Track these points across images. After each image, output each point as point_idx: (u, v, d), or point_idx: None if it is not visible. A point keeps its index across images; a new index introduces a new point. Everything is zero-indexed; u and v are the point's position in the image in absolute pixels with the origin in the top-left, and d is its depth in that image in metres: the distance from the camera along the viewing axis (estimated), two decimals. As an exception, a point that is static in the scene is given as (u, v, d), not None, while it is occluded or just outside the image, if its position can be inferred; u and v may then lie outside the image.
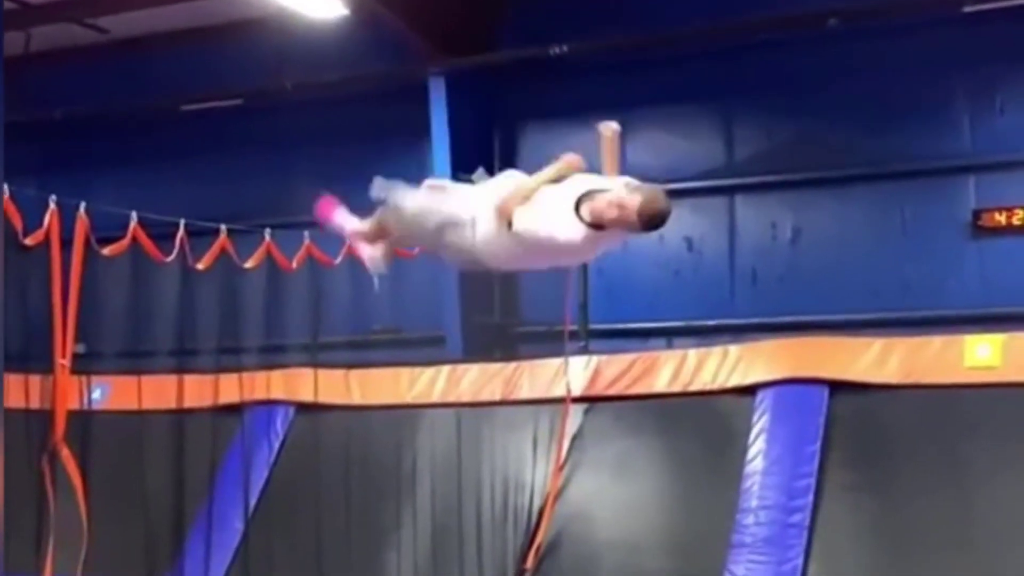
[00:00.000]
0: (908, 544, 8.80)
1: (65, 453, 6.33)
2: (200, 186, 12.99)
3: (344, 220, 5.82)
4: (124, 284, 8.26)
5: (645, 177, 12.39)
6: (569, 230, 4.97)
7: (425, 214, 5.27)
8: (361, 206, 12.86)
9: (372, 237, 5.58)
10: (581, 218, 5.00)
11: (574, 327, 10.94)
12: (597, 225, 5.06)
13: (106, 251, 6.81)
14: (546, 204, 5.05)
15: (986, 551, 8.56)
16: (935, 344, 9.46)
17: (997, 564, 8.45)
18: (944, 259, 10.63)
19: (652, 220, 5.06)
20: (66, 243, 6.43)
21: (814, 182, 11.28)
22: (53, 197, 6.33)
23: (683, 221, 11.78)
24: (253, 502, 9.99)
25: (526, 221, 5.06)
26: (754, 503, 9.20)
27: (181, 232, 7.25)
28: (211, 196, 12.53)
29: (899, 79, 10.89)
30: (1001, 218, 10.39)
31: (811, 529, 8.98)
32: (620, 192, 4.94)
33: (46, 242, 6.28)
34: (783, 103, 11.40)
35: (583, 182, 5.21)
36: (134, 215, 6.94)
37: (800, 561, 8.84)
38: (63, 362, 6.29)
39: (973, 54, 10.60)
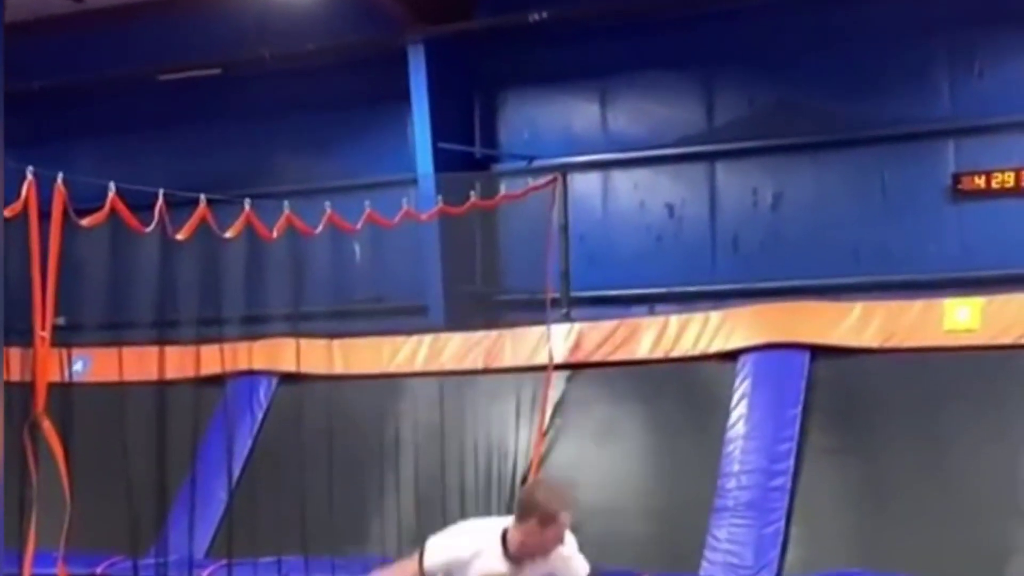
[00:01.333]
0: (889, 506, 8.87)
1: (46, 425, 6.31)
2: (179, 156, 12.93)
3: None
4: (104, 256, 8.22)
5: (626, 144, 12.44)
6: None
7: None
8: (342, 174, 12.85)
9: None
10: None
11: (556, 295, 10.96)
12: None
13: (85, 222, 6.76)
14: None
15: (965, 511, 8.63)
16: (915, 308, 9.51)
17: (975, 523, 8.53)
18: (924, 223, 10.66)
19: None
20: (44, 215, 6.39)
21: (795, 148, 11.29)
22: (31, 168, 6.28)
23: (664, 188, 11.80)
24: (237, 472, 10.00)
25: None
26: (736, 467, 9.26)
27: (160, 202, 7.20)
28: (190, 166, 12.46)
29: (878, 44, 10.88)
30: (980, 181, 10.42)
31: (792, 492, 9.05)
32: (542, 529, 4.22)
33: (24, 214, 6.23)
34: (764, 69, 11.39)
35: None
36: (112, 186, 6.88)
37: (782, 524, 8.91)
38: (43, 334, 6.26)
39: (952, 18, 10.59)
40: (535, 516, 4.12)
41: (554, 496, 4.21)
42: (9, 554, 6.11)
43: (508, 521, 4.20)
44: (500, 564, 4.09)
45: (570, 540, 4.38)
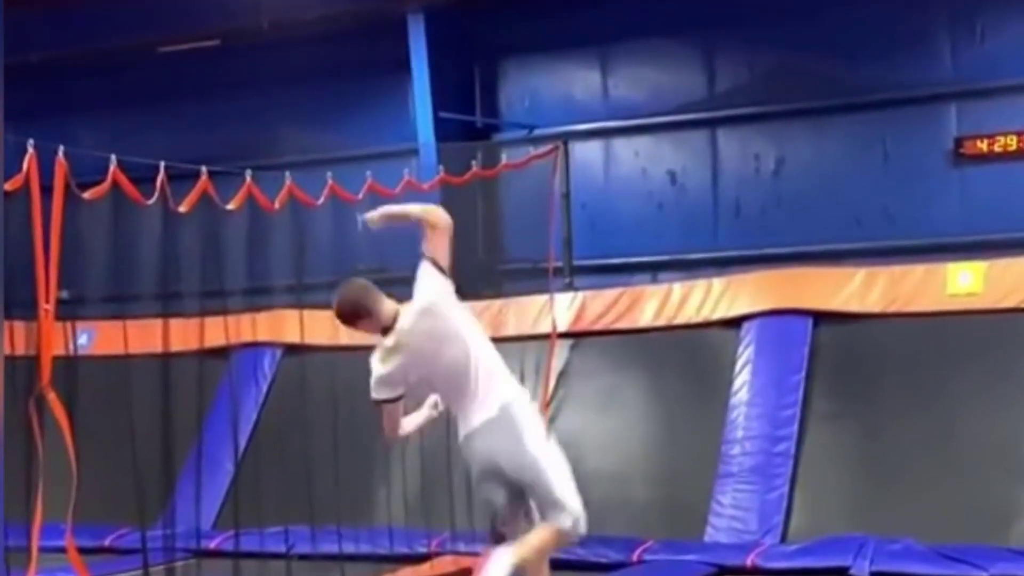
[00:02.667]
0: (892, 470, 8.90)
1: (52, 398, 6.32)
2: (179, 129, 12.89)
3: None
4: (106, 229, 8.20)
5: (627, 112, 12.41)
6: None
7: None
8: (343, 145, 12.81)
9: None
10: None
11: (558, 263, 10.97)
12: None
13: (86, 195, 6.75)
14: None
15: (968, 476, 8.67)
16: (917, 272, 9.52)
17: (979, 488, 8.56)
18: (926, 187, 10.65)
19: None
20: (46, 188, 6.38)
21: (796, 113, 11.26)
22: (31, 142, 6.27)
23: (665, 155, 11.78)
24: (243, 443, 10.04)
25: None
26: (740, 433, 9.30)
27: (161, 175, 7.19)
28: (191, 138, 12.44)
29: (880, 7, 10.83)
30: (983, 145, 10.40)
31: (796, 458, 9.09)
32: None
33: (25, 187, 6.22)
34: (764, 34, 11.34)
35: None
36: (113, 158, 6.87)
37: (786, 489, 8.95)
38: (47, 307, 6.26)
39: (953, -20, 10.56)
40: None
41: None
42: (16, 527, 6.14)
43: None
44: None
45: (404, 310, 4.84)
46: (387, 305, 5.04)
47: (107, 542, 9.71)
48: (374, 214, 5.30)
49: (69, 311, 7.33)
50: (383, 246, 11.89)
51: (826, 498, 8.96)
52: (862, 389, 9.34)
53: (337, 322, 5.19)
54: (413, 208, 5.25)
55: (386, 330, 4.94)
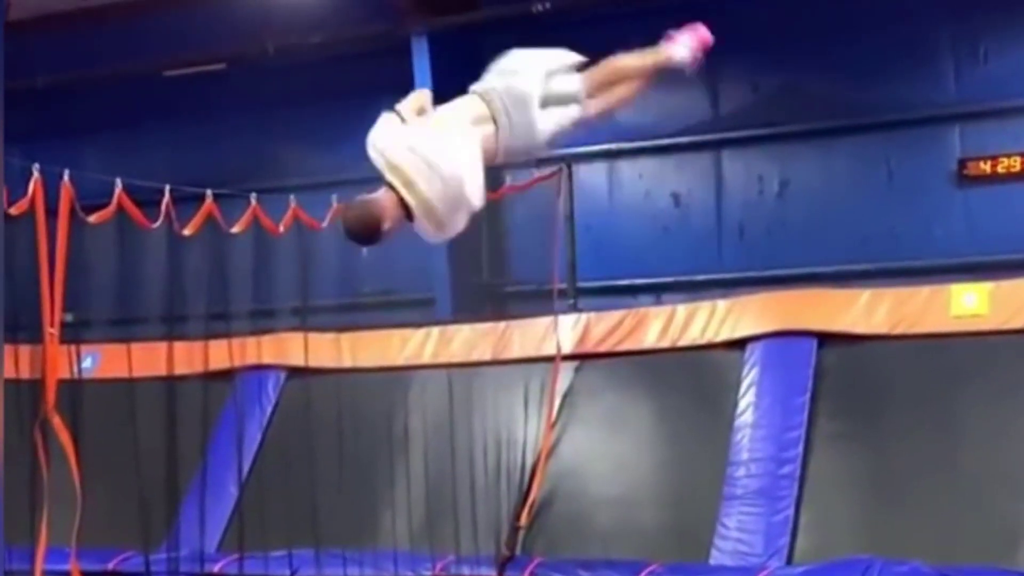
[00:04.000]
0: (898, 492, 8.87)
1: (57, 422, 6.33)
2: (184, 152, 12.94)
3: None
4: (111, 252, 8.24)
5: (631, 134, 12.44)
6: None
7: None
8: (348, 167, 12.89)
9: None
10: None
11: (563, 285, 10.96)
12: None
13: (92, 218, 6.78)
14: None
15: (975, 498, 8.63)
16: (922, 294, 9.50)
17: (986, 510, 8.52)
18: (930, 209, 10.66)
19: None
20: (51, 212, 6.40)
21: (800, 135, 11.29)
22: (36, 165, 6.29)
23: (669, 176, 11.80)
24: (247, 467, 10.01)
25: None
26: (745, 455, 9.26)
27: (166, 198, 7.21)
28: (196, 161, 12.48)
29: (884, 29, 10.87)
30: (986, 167, 10.42)
31: (802, 480, 9.05)
32: None
33: (31, 211, 6.24)
34: (768, 55, 11.37)
35: None
36: (119, 182, 6.90)
37: (791, 512, 8.91)
38: (52, 331, 6.28)
39: (956, 2, 10.58)
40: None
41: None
42: (21, 550, 6.14)
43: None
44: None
45: None
46: None
47: (111, 566, 9.67)
48: None
49: (74, 334, 7.33)
50: (388, 269, 11.97)
51: (832, 520, 8.92)
52: (867, 411, 9.31)
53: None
54: None
55: None
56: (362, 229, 4.58)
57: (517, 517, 9.57)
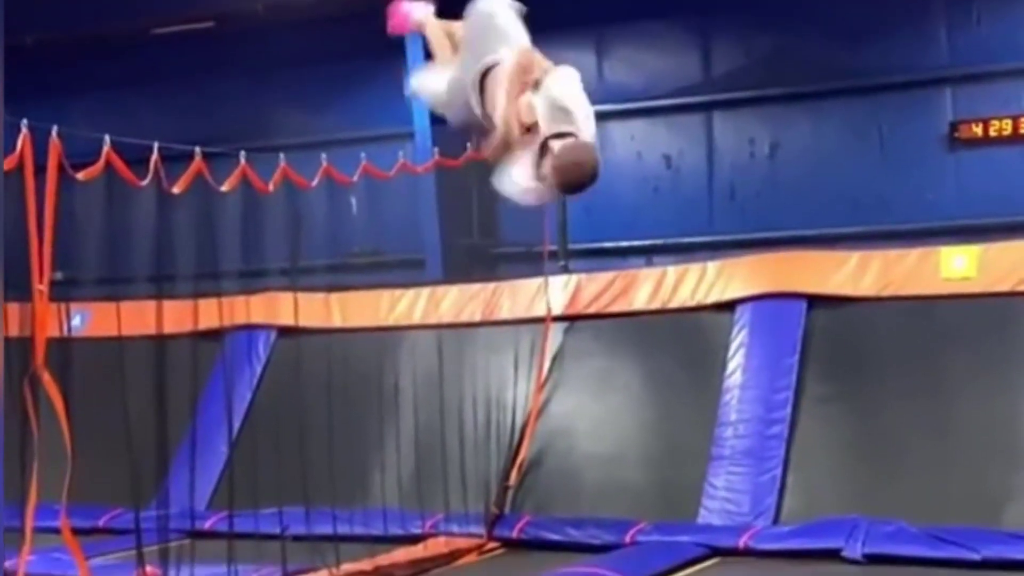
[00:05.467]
0: (885, 453, 8.92)
1: (46, 378, 6.32)
2: (173, 110, 12.87)
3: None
4: (100, 210, 8.18)
5: (623, 95, 12.37)
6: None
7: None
8: (338, 128, 12.77)
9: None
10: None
11: (553, 247, 10.97)
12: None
13: (80, 175, 6.73)
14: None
15: (961, 459, 8.69)
16: (912, 256, 9.53)
17: (972, 471, 8.58)
18: (921, 172, 10.66)
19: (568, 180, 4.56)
20: (39, 169, 6.36)
21: (792, 97, 11.27)
22: (25, 122, 6.25)
23: (661, 139, 11.78)
24: (237, 425, 10.03)
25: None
26: (733, 416, 9.31)
27: (155, 156, 7.17)
28: (184, 120, 12.41)
29: (876, -8, 10.84)
30: (978, 129, 10.42)
31: (789, 440, 9.11)
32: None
33: (19, 168, 6.21)
34: (760, 18, 11.34)
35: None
36: (107, 139, 6.86)
37: (779, 471, 8.98)
38: (41, 288, 6.26)
39: (950, -35, 10.55)
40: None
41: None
42: (11, 507, 6.14)
43: None
44: None
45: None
46: None
47: (101, 523, 9.72)
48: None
49: (63, 292, 7.30)
50: (378, 229, 11.94)
51: (819, 480, 8.98)
52: (855, 372, 9.36)
53: None
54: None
55: None
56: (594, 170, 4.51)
57: (506, 476, 9.62)
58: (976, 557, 7.68)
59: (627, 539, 8.61)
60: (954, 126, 10.53)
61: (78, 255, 8.96)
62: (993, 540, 7.82)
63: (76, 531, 6.78)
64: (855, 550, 7.99)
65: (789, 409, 9.23)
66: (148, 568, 6.99)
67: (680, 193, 11.59)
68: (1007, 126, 10.28)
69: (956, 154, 10.55)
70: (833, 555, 8.03)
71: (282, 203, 9.02)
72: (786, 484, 8.96)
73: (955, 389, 8.99)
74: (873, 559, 7.92)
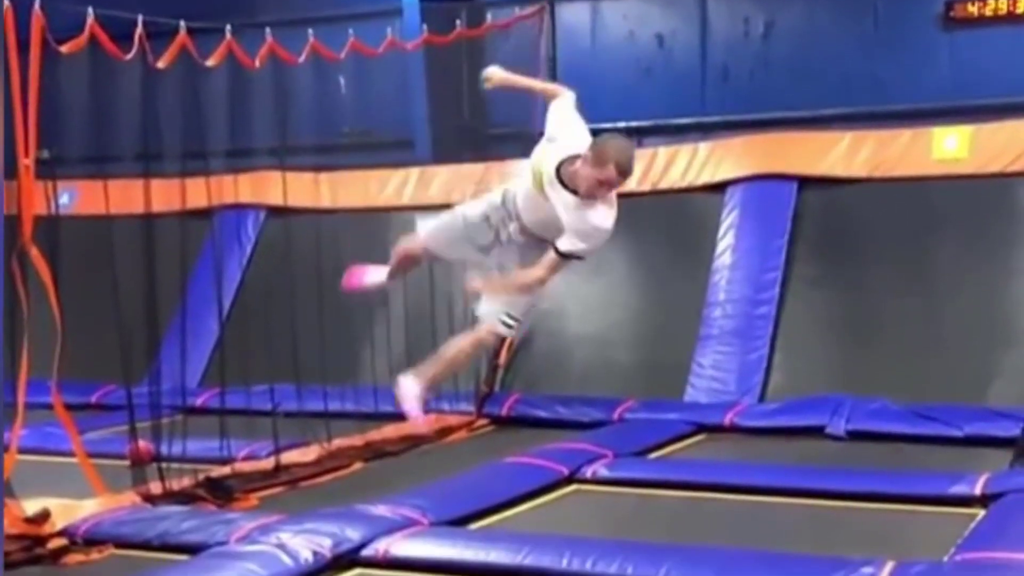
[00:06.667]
0: (872, 333, 9.01)
1: (34, 253, 6.32)
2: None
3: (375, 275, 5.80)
4: (85, 87, 8.08)
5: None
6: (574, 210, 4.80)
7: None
8: (325, 4, 12.53)
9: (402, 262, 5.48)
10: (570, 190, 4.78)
11: (543, 128, 10.86)
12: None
13: (64, 48, 6.65)
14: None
15: (948, 338, 8.78)
16: (904, 137, 9.48)
17: (958, 350, 8.68)
18: (915, 51, 10.55)
19: (628, 169, 4.90)
20: (22, 47, 6.27)
21: (787, -25, 11.10)
22: (5, -7, 6.13)
23: (654, 18, 11.62)
24: (227, 304, 10.08)
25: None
26: (722, 296, 9.37)
27: (140, 30, 7.06)
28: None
29: None
30: (973, 9, 10.29)
31: (777, 320, 9.18)
32: (591, 168, 4.68)
33: (1, 42, 6.10)
34: None
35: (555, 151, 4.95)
36: (91, 11, 6.75)
37: (766, 351, 9.07)
38: (27, 162, 6.22)
39: None
40: (593, 161, 4.48)
41: (619, 150, 4.65)
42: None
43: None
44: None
45: (605, 208, 4.80)
46: None
47: (93, 399, 9.82)
48: (496, 73, 5.16)
49: (49, 171, 7.24)
50: (367, 109, 11.82)
51: (806, 360, 9.07)
52: (845, 253, 9.39)
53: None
54: (536, 83, 5.19)
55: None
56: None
57: (496, 355, 9.69)
58: (959, 434, 7.80)
59: (615, 416, 8.72)
60: (949, 5, 10.39)
61: (64, 132, 8.88)
62: (976, 417, 7.93)
63: (69, 407, 6.84)
64: (839, 427, 8.11)
65: (777, 290, 9.28)
66: (141, 443, 7.08)
67: (672, 73, 11.47)
68: (1002, 5, 10.15)
69: (951, 34, 10.43)
70: (817, 432, 8.15)
71: (269, 81, 8.92)
72: (773, 363, 9.05)
73: (944, 270, 9.03)
74: (856, 436, 8.04)
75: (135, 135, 8.02)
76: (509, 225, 5.03)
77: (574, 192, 4.72)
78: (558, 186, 4.64)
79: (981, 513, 5.93)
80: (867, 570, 4.86)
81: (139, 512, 6.31)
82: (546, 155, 4.85)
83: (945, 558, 5.11)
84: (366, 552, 5.52)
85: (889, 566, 4.88)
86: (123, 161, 8.57)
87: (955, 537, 5.44)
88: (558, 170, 4.77)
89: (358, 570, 5.49)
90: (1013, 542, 5.19)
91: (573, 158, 4.71)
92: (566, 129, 5.04)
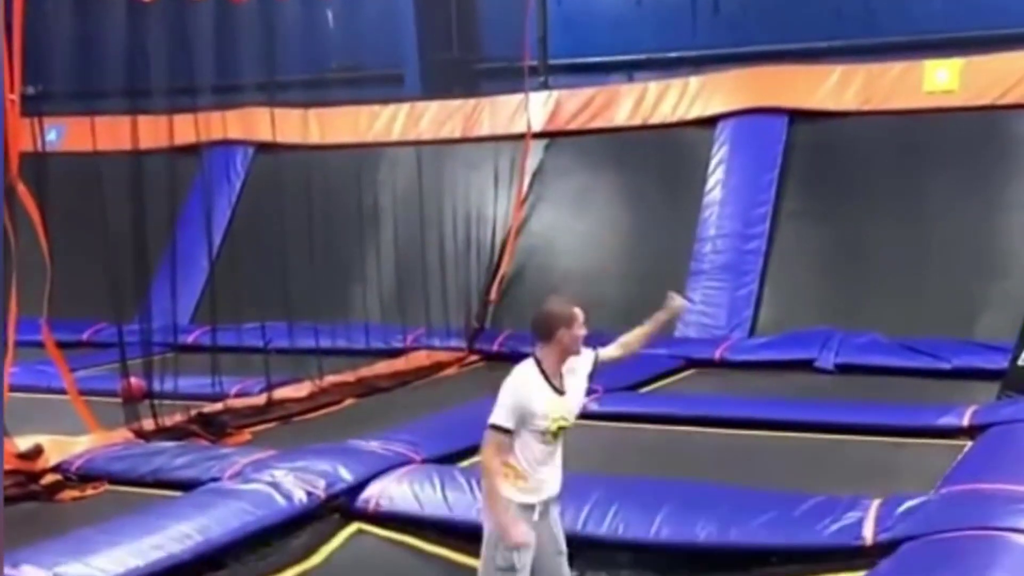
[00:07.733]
0: (862, 267, 9.02)
1: (22, 189, 6.28)
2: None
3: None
4: (71, 22, 8.01)
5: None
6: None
7: None
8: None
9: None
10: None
11: (533, 62, 10.80)
12: None
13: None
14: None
15: (937, 272, 8.80)
16: (894, 70, 9.44)
17: (947, 284, 8.70)
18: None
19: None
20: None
21: (778, -94, 10.95)
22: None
23: (646, -51, 11.49)
24: (217, 241, 10.05)
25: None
26: (712, 231, 9.37)
27: (124, -37, 6.98)
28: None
29: None
30: (966, -61, 10.16)
31: (767, 255, 9.19)
32: (570, 329, 4.28)
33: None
34: None
35: None
36: (73, -54, 6.68)
37: (755, 286, 9.08)
38: (12, 97, 6.15)
39: None
40: (561, 325, 4.30)
41: (561, 303, 4.43)
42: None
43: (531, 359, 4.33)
44: (549, 394, 4.23)
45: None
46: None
47: (85, 336, 9.83)
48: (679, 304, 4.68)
49: (36, 107, 7.17)
50: (355, 43, 11.71)
51: (795, 294, 9.09)
52: (836, 187, 9.38)
53: None
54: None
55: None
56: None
57: (487, 292, 9.70)
58: (947, 366, 7.85)
59: (605, 351, 8.72)
60: (942, -65, 10.28)
61: (50, 68, 8.79)
62: (964, 350, 7.97)
63: (60, 345, 6.85)
64: (827, 360, 8.15)
65: (768, 224, 9.28)
66: (133, 380, 7.08)
67: (663, 6, 11.35)
68: (996, -64, 10.04)
69: (943, -36, 10.33)
70: (805, 366, 8.19)
71: (256, 16, 8.83)
72: (763, 298, 9.08)
73: (934, 202, 9.03)
74: (845, 369, 8.08)
75: (122, 71, 7.94)
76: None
77: (564, 369, 4.39)
78: (574, 387, 4.35)
79: (968, 444, 5.97)
80: (854, 514, 4.75)
81: (132, 448, 6.33)
82: (573, 400, 4.39)
83: (932, 490, 5.13)
84: (361, 498, 5.36)
85: (875, 506, 4.78)
86: (111, 98, 8.50)
87: (943, 469, 5.47)
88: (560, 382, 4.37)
89: (356, 524, 5.33)
90: (999, 473, 5.22)
91: (544, 356, 4.29)
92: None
